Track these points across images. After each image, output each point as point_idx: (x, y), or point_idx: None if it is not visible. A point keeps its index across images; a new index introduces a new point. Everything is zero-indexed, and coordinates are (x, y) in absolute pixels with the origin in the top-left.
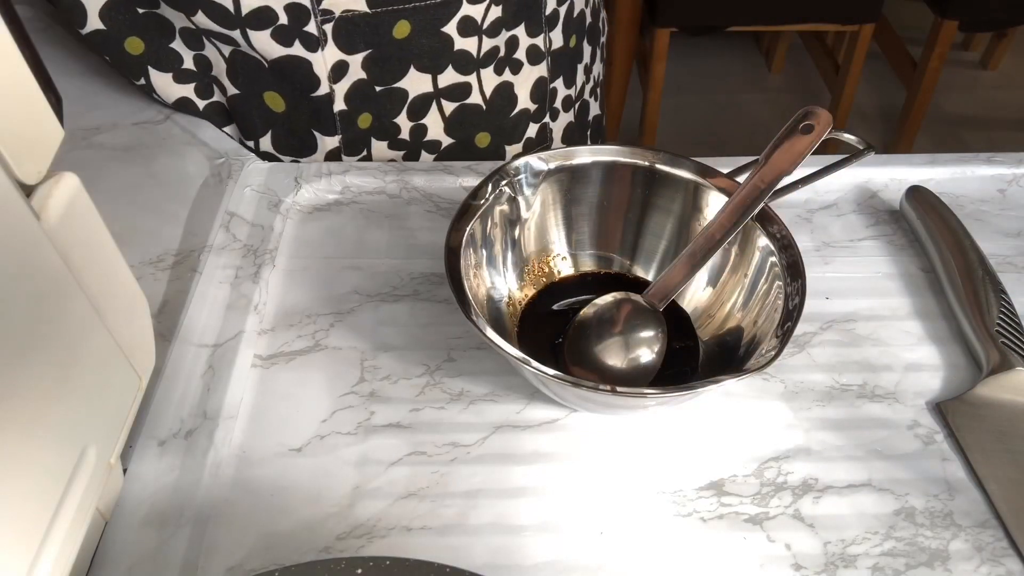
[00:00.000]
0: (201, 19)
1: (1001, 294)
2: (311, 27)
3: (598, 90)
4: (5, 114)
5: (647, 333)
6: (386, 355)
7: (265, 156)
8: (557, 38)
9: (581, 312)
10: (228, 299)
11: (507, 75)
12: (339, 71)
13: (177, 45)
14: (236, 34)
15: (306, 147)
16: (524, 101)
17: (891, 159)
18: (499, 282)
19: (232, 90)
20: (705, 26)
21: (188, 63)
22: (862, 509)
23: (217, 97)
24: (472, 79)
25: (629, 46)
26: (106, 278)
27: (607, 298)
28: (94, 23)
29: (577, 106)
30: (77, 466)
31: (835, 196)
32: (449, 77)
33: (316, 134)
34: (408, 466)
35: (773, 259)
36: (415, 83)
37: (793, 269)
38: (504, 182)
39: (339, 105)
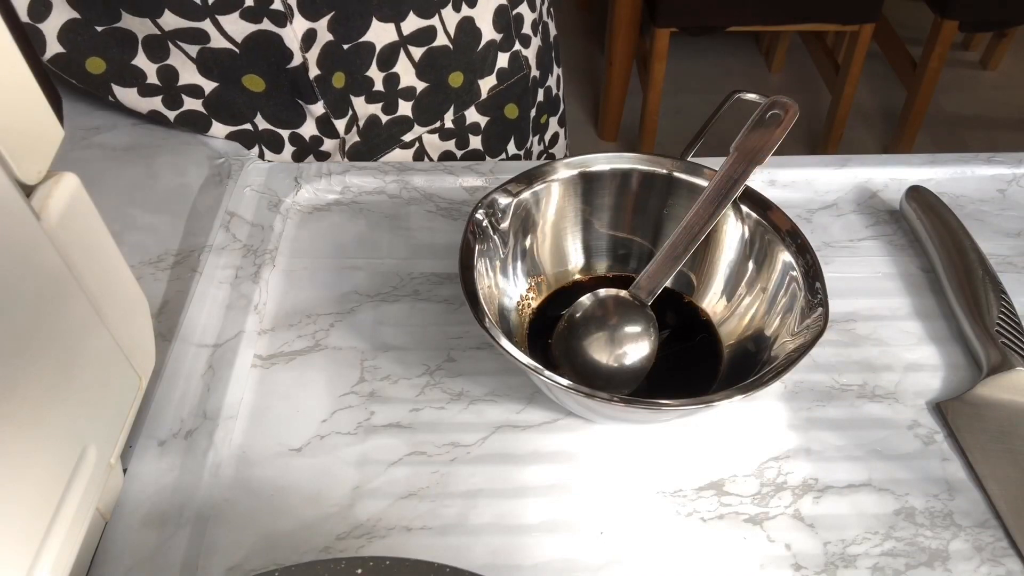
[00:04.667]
0: (168, 19)
1: (1001, 294)
2: (277, 4)
3: (552, 9)
4: (5, 114)
5: (635, 329)
6: (386, 355)
7: (264, 135)
8: None
9: (567, 310)
10: (228, 299)
11: (465, 10)
12: (309, 39)
13: (140, 61)
14: (206, 24)
15: (297, 116)
16: (488, 33)
17: (891, 159)
18: (511, 288)
19: (210, 85)
20: (705, 26)
21: (152, 78)
22: (862, 509)
23: (189, 105)
24: (435, 21)
25: (629, 46)
26: (106, 278)
27: (593, 295)
28: (53, 47)
29: (541, 28)
30: (77, 466)
31: (835, 196)
32: (412, 23)
33: (300, 103)
34: (408, 466)
35: (794, 273)
36: (380, 34)
37: (815, 299)
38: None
39: (313, 71)
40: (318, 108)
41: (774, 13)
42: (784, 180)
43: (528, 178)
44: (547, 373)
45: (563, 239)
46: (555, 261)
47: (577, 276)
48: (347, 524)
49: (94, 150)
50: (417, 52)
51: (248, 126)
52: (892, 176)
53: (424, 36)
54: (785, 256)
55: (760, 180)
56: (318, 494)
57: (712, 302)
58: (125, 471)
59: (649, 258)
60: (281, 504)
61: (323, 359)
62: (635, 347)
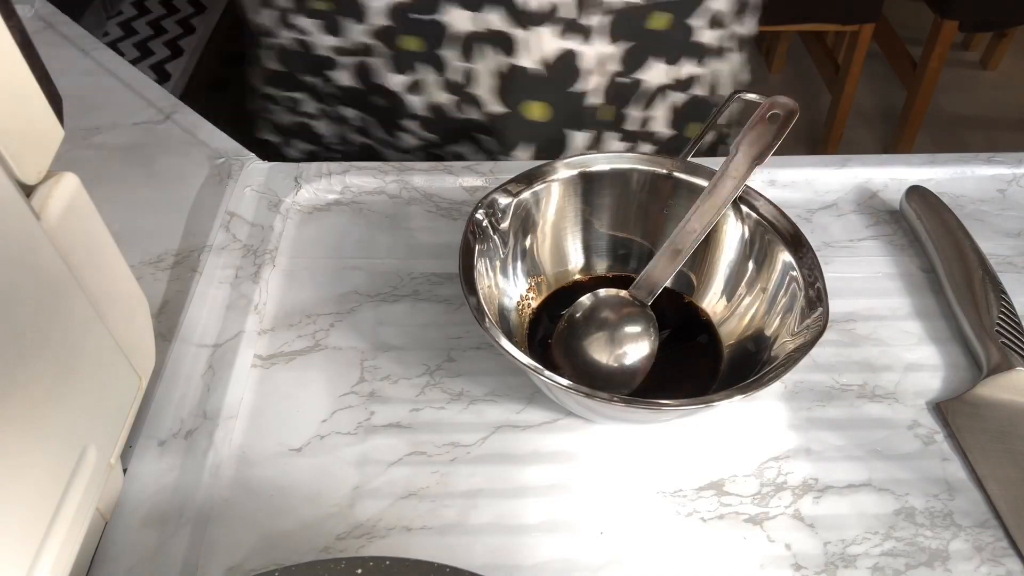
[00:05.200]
0: (489, 18)
1: (1001, 294)
2: (584, 19)
3: None
4: (5, 114)
5: (635, 328)
6: (386, 355)
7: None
8: (752, 25)
9: (567, 310)
10: (228, 299)
11: (717, 63)
12: (600, 64)
13: (448, 51)
14: (520, 33)
15: (557, 147)
16: (726, 88)
17: (891, 159)
18: (511, 288)
19: (494, 107)
20: None
21: (453, 73)
22: (862, 509)
23: (468, 112)
24: (705, 70)
25: None
26: (106, 278)
27: (593, 295)
28: (378, 20)
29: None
30: (77, 466)
31: (835, 196)
32: (685, 68)
33: (569, 132)
34: (408, 466)
35: (794, 273)
36: (655, 74)
37: (815, 299)
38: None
39: (593, 99)
40: (583, 137)
41: (774, 13)
42: (784, 180)
43: (528, 178)
44: (547, 373)
45: (563, 239)
46: (555, 261)
47: (577, 276)
48: (347, 524)
49: (94, 150)
50: (679, 98)
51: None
52: (892, 176)
53: (691, 82)
54: (785, 256)
55: (760, 180)
56: (318, 494)
57: (712, 302)
58: (125, 471)
59: (649, 258)
60: (281, 504)
61: (323, 359)
62: (635, 347)
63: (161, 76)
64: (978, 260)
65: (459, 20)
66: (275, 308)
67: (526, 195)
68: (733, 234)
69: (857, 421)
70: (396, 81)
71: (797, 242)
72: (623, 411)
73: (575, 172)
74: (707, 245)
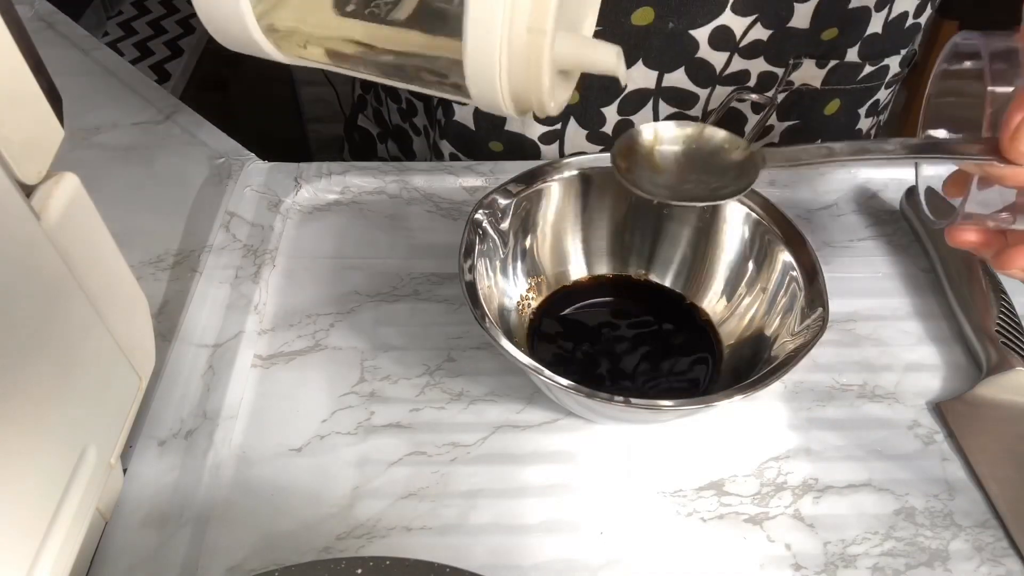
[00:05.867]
0: (674, 77)
1: (1001, 294)
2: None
3: None
4: (5, 114)
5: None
6: (386, 355)
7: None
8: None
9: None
10: (228, 299)
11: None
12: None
13: (610, 106)
14: (702, 92)
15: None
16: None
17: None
18: (511, 288)
19: None
20: None
21: (608, 124)
22: (862, 509)
23: None
24: (703, 92)
25: None
26: (106, 278)
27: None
28: None
29: None
30: (77, 466)
31: (835, 196)
32: (677, 79)
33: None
34: (408, 466)
35: (794, 273)
36: (637, 77)
37: (815, 299)
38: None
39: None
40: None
41: None
42: (784, 180)
43: (528, 178)
44: (547, 373)
45: (563, 239)
46: (555, 261)
47: (577, 276)
48: (347, 524)
49: (94, 150)
50: (666, 110)
51: (558, 126)
52: (892, 176)
53: (682, 98)
54: (785, 256)
55: (760, 180)
56: (318, 494)
57: (712, 302)
58: (125, 471)
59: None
60: (281, 504)
61: (323, 359)
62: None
63: (161, 76)
64: (978, 260)
65: (640, 78)
66: (275, 308)
67: (526, 195)
68: (733, 234)
69: (857, 421)
70: (535, 130)
71: (797, 242)
72: (623, 411)
73: (575, 172)
74: (707, 245)
